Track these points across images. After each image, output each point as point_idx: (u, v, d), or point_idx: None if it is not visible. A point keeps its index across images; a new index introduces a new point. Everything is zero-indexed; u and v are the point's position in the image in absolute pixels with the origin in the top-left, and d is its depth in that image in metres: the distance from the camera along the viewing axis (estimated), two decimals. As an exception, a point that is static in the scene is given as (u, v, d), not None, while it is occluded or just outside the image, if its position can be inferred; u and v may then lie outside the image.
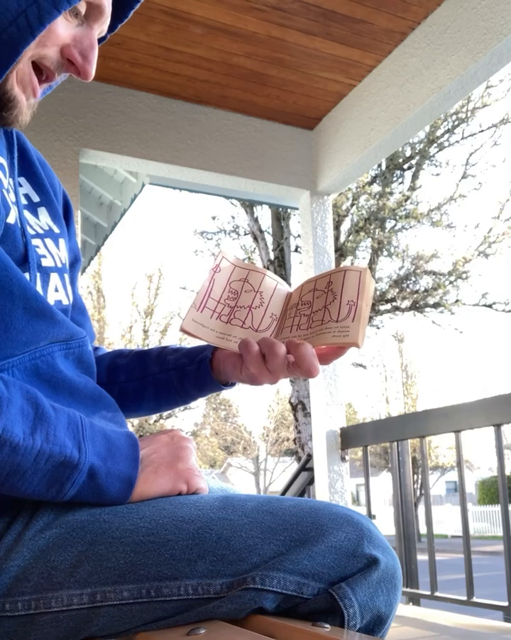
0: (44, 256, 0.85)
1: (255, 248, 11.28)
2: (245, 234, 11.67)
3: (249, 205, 10.56)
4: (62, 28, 0.78)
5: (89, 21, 0.81)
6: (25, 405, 0.68)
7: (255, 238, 10.73)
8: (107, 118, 3.14)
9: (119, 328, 17.86)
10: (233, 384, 0.97)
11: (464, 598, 2.58)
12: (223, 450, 29.01)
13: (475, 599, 2.55)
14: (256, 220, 10.74)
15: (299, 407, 9.07)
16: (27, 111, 0.82)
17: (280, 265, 10.25)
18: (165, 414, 17.35)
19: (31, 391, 0.71)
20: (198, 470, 0.80)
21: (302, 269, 3.64)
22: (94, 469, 0.71)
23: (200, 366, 0.96)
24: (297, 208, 3.74)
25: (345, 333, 0.83)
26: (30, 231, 0.84)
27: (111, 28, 0.90)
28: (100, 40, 0.87)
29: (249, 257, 11.83)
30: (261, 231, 10.65)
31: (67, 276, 0.90)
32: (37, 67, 0.80)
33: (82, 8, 0.79)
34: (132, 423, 17.31)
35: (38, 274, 0.83)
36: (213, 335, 0.90)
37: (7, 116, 0.80)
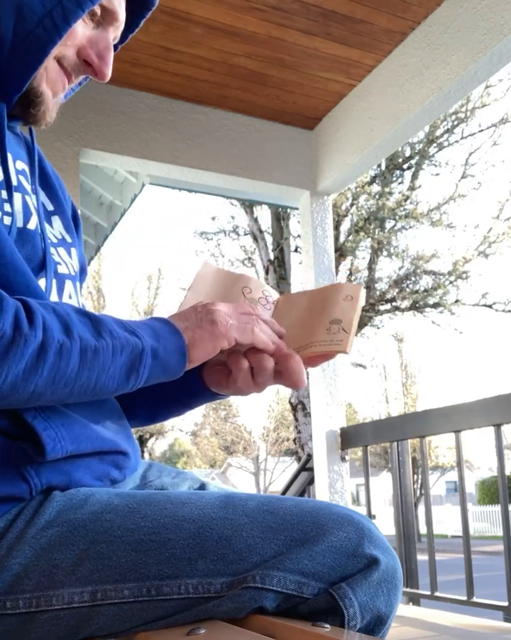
0: (60, 263, 0.87)
1: (255, 248, 11.28)
2: (245, 234, 11.66)
3: (249, 205, 10.56)
4: (80, 29, 0.81)
5: (105, 25, 0.84)
6: (79, 316, 0.72)
7: (255, 238, 10.73)
8: (107, 118, 3.14)
9: (119, 328, 17.82)
10: (222, 396, 0.95)
11: (464, 598, 2.58)
12: (223, 450, 28.99)
13: (475, 599, 2.55)
14: (256, 220, 10.73)
15: (299, 407, 9.07)
16: (53, 108, 0.85)
17: (280, 265, 10.24)
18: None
19: (74, 307, 0.73)
20: (233, 321, 0.79)
21: (302, 269, 3.64)
22: (154, 349, 0.73)
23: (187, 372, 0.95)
24: (297, 208, 3.74)
25: (337, 342, 0.84)
26: (50, 239, 0.87)
27: (122, 37, 0.92)
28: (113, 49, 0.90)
29: (249, 258, 11.83)
30: (261, 231, 10.64)
31: (78, 284, 0.92)
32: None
33: (98, 11, 0.82)
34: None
35: (54, 281, 0.85)
36: None
37: (35, 113, 0.83)
